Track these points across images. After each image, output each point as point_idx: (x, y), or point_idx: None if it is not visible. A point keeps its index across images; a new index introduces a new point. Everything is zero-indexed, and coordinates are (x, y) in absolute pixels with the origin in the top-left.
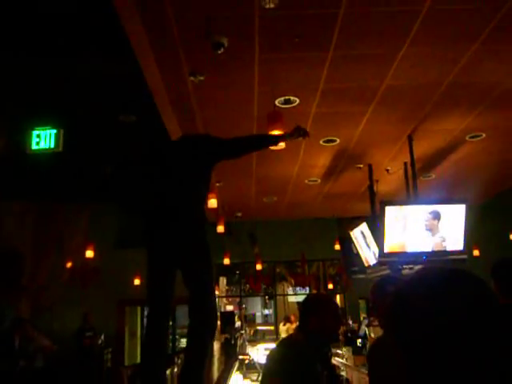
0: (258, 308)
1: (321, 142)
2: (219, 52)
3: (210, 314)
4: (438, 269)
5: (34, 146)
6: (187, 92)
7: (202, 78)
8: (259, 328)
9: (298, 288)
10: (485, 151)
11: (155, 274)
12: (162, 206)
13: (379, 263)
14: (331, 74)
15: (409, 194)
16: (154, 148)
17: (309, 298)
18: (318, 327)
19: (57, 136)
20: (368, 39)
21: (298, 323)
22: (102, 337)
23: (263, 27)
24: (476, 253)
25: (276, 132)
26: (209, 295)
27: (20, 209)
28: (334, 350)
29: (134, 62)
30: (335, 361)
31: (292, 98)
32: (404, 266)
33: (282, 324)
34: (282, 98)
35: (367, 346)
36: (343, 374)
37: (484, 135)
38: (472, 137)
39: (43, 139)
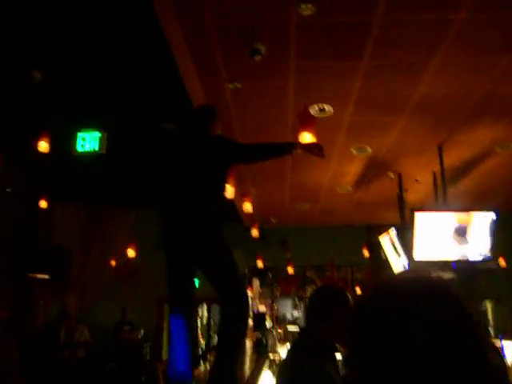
0: (288, 309)
1: (353, 151)
2: (256, 59)
3: (243, 309)
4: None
5: (79, 148)
6: (225, 99)
7: (239, 85)
8: (289, 328)
9: None
10: None
11: (174, 274)
12: (179, 205)
13: (408, 270)
14: (365, 83)
15: (437, 204)
16: (172, 148)
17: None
18: (322, 327)
19: (101, 139)
20: (402, 48)
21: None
22: (142, 331)
23: (300, 35)
24: (502, 263)
25: (306, 136)
26: (239, 290)
27: (70, 209)
28: None
29: (175, 70)
30: None
31: (326, 106)
32: (432, 274)
33: None
34: (317, 107)
35: None
36: None
37: None
38: (502, 147)
39: (88, 142)
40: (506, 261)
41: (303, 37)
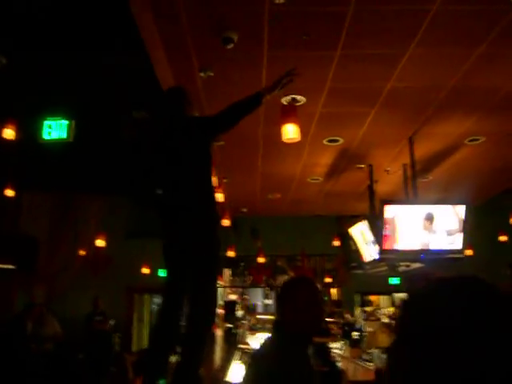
0: (259, 298)
1: (324, 142)
2: (229, 47)
3: (212, 302)
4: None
5: (46, 136)
6: (196, 88)
7: (211, 73)
8: (260, 317)
9: None
10: (482, 155)
11: (171, 264)
12: (169, 195)
13: (378, 260)
14: (338, 73)
15: (407, 195)
16: (156, 137)
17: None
18: (294, 318)
19: (68, 127)
20: (375, 39)
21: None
22: (111, 322)
23: (272, 24)
24: (469, 252)
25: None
26: (212, 283)
27: (36, 198)
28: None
29: (145, 57)
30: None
31: (299, 97)
32: (401, 264)
33: None
34: (289, 97)
35: (363, 338)
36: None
37: (482, 139)
38: (471, 140)
39: (55, 129)
40: (473, 250)
41: (276, 26)
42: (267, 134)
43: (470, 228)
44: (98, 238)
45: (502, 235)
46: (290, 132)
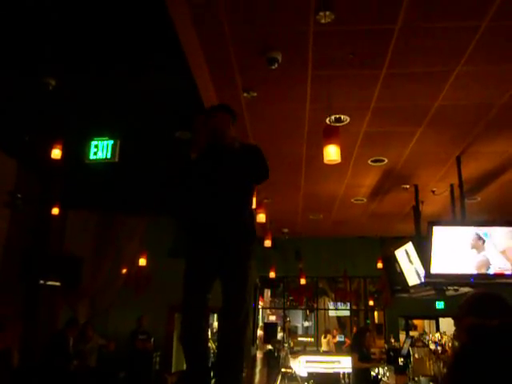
0: (299, 320)
1: (369, 162)
2: (273, 67)
3: (244, 324)
4: None
5: (92, 156)
6: (240, 109)
7: (254, 94)
8: (300, 339)
9: (338, 303)
10: None
11: (194, 281)
12: (210, 218)
13: (424, 283)
14: (383, 92)
15: (454, 216)
16: (202, 159)
17: None
18: None
19: (113, 147)
20: (422, 57)
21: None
22: (152, 340)
23: (317, 43)
24: None
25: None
26: (245, 302)
27: (82, 217)
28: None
29: (190, 79)
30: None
31: (343, 116)
32: (449, 288)
33: (323, 336)
34: (333, 116)
35: (410, 365)
36: None
37: None
38: None
39: (101, 149)
40: None
41: (321, 45)
42: (310, 155)
43: None
44: (140, 257)
45: None
46: (332, 153)
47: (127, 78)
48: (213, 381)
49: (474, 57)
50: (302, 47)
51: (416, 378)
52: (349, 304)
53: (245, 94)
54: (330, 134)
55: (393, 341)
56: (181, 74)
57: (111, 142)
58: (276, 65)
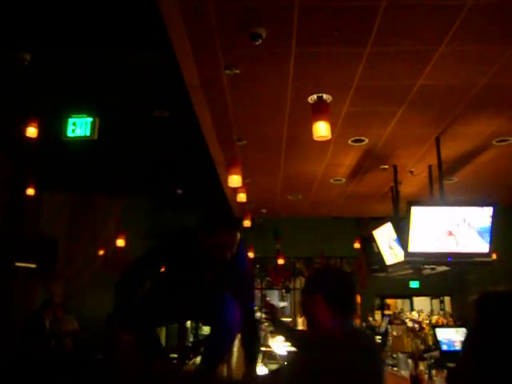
0: (275, 300)
1: (349, 142)
2: (257, 43)
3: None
4: None
5: (69, 134)
6: (222, 86)
7: (237, 71)
8: None
9: None
10: (511, 156)
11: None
12: None
13: (402, 263)
14: (367, 71)
15: (432, 196)
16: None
17: None
18: None
19: (92, 124)
20: (407, 35)
21: None
22: None
23: (302, 19)
24: (494, 256)
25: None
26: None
27: (57, 198)
28: None
29: (171, 55)
30: None
31: (326, 95)
32: (425, 266)
33: (299, 316)
34: (316, 95)
35: (388, 343)
36: None
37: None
38: (499, 141)
39: (79, 127)
40: (498, 254)
41: (305, 21)
42: (291, 134)
43: (497, 230)
44: (117, 238)
45: None
46: (322, 130)
47: (106, 53)
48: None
49: (458, 36)
50: (286, 23)
51: (394, 355)
52: None
53: (227, 71)
54: (320, 110)
55: (371, 319)
56: (162, 49)
57: (90, 119)
58: (259, 41)
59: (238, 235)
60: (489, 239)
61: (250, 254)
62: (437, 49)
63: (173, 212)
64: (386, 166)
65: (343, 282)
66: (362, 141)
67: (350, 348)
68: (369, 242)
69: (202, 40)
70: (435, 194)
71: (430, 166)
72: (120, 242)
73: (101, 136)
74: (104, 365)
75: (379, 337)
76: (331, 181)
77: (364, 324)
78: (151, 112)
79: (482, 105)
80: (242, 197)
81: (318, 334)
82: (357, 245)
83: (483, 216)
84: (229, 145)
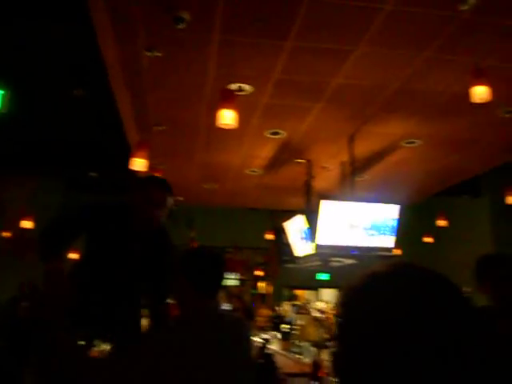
0: None
1: (266, 134)
2: (180, 27)
3: None
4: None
5: None
6: (141, 67)
7: (158, 53)
8: None
9: (227, 273)
10: (417, 158)
11: None
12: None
13: (311, 255)
14: (287, 64)
15: (343, 192)
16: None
17: None
18: None
19: (3, 97)
20: (328, 32)
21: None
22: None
23: (227, 6)
24: (398, 251)
25: (226, 113)
26: None
27: None
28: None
29: (91, 31)
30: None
31: (246, 85)
32: (333, 259)
33: None
34: (236, 85)
35: (294, 331)
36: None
37: (419, 142)
38: (408, 142)
39: None
40: (402, 249)
41: (230, 8)
42: (209, 123)
43: (401, 227)
44: (24, 220)
45: (428, 236)
46: (227, 118)
47: (20, 23)
48: None
49: (376, 38)
50: (210, 9)
51: (299, 343)
52: (237, 274)
53: (148, 53)
54: (227, 98)
55: (278, 309)
56: (80, 25)
57: (1, 92)
58: (183, 25)
59: (170, 200)
60: (394, 235)
61: None
62: (355, 49)
63: (86, 195)
64: (302, 160)
65: (206, 263)
66: (279, 134)
67: (206, 330)
68: (281, 233)
69: (123, 17)
70: (347, 190)
71: (343, 163)
72: (26, 224)
73: (12, 112)
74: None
75: (287, 326)
76: (247, 172)
77: (272, 313)
78: (67, 90)
79: (394, 107)
80: None
81: (181, 315)
82: (269, 236)
83: (390, 213)
84: (146, 129)
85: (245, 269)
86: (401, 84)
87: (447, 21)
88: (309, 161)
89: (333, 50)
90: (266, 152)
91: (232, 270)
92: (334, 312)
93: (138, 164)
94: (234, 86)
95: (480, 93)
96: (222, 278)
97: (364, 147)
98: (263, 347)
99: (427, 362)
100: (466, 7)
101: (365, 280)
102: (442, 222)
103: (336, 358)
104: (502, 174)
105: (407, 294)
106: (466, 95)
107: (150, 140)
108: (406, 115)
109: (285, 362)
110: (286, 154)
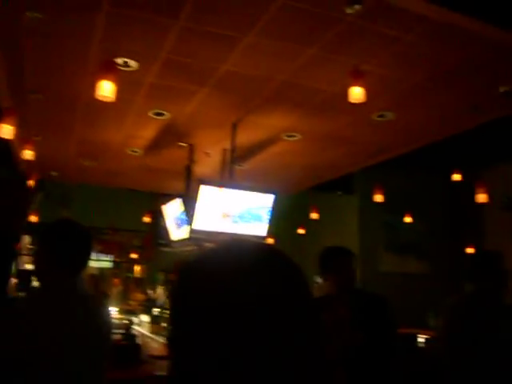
0: None
1: (150, 114)
2: None
3: None
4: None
5: None
6: (18, 28)
7: (39, 15)
8: None
9: (101, 254)
10: (296, 151)
11: None
12: None
13: (187, 239)
14: (176, 45)
15: (223, 179)
16: None
17: None
18: None
19: None
20: (219, 17)
21: None
22: None
23: None
24: (271, 241)
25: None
26: None
27: None
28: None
29: None
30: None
31: (132, 61)
32: (207, 244)
33: None
34: (122, 59)
35: (164, 315)
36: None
37: (299, 137)
38: (288, 136)
39: None
40: (275, 238)
41: None
42: (90, 96)
43: (276, 218)
44: None
45: (301, 228)
46: (106, 90)
47: None
48: None
49: (265, 30)
50: None
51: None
52: (112, 256)
53: (28, 13)
54: (108, 69)
55: (150, 292)
56: None
57: None
58: None
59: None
60: (267, 224)
61: (34, 218)
62: (245, 37)
63: None
64: (184, 144)
65: (70, 238)
66: (163, 115)
67: (59, 304)
68: (158, 216)
69: None
70: (226, 177)
71: (224, 151)
72: None
73: None
74: None
75: (158, 309)
76: (128, 151)
77: (144, 296)
78: None
79: (278, 99)
80: (28, 154)
81: (39, 288)
82: (147, 219)
83: (264, 202)
84: (21, 96)
85: (120, 251)
86: (286, 77)
87: (334, 21)
88: (191, 145)
89: (223, 36)
90: (148, 132)
91: (107, 252)
92: None
93: (5, 131)
94: (119, 61)
95: (356, 93)
96: (87, 255)
97: (246, 136)
98: (128, 328)
99: (247, 332)
100: (351, 11)
101: (197, 256)
102: (314, 215)
103: (168, 324)
104: (372, 174)
105: (232, 265)
106: (345, 95)
107: (24, 107)
108: (288, 109)
109: (152, 344)
110: (169, 136)
